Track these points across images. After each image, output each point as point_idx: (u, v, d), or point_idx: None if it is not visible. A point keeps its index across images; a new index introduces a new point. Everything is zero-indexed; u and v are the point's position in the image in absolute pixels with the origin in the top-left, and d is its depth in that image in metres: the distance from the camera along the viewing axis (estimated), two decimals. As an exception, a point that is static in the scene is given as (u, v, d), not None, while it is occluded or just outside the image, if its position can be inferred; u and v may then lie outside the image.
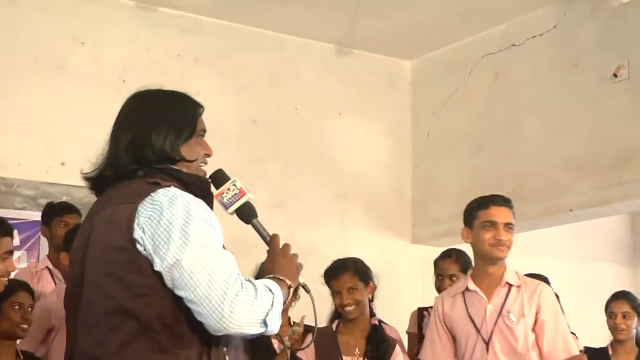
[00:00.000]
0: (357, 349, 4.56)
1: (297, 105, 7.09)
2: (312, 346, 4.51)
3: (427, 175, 7.47)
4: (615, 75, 6.09)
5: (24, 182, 5.92)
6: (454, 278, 5.07)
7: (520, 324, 4.07)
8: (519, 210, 4.26)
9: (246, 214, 2.65)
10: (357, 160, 7.29)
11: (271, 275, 2.51)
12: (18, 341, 4.81)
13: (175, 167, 2.57)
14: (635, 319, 5.39)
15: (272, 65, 7.03)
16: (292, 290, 2.52)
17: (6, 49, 6.01)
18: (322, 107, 7.21)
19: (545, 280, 5.24)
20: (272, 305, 2.37)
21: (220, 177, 2.64)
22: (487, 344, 4.08)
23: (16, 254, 5.58)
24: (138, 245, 2.37)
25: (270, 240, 2.64)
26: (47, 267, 5.10)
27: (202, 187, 2.56)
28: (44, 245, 5.79)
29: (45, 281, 5.02)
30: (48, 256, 5.21)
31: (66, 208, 5.22)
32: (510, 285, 4.14)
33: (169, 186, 2.44)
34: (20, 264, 5.65)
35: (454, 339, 4.26)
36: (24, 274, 5.12)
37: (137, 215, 2.38)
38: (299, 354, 4.56)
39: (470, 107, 7.16)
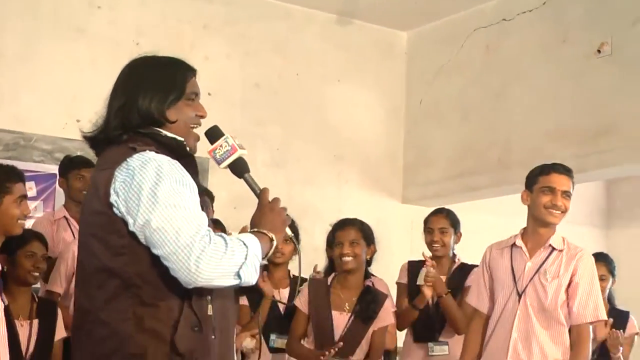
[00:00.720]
0: (347, 305, 4.56)
1: (298, 72, 7.12)
2: (306, 294, 4.57)
3: (418, 141, 7.50)
4: (599, 51, 6.11)
5: (42, 137, 5.99)
6: (443, 231, 5.08)
7: (552, 284, 4.10)
8: (505, 176, 4.29)
9: (238, 169, 2.64)
10: (354, 125, 7.34)
11: (255, 229, 2.54)
12: (40, 285, 4.93)
13: (160, 130, 2.57)
14: (610, 280, 5.45)
15: (276, 33, 7.05)
16: (275, 243, 2.53)
17: (28, 14, 6.07)
18: (322, 73, 7.23)
19: (607, 261, 5.45)
20: (245, 258, 2.39)
21: (215, 134, 2.66)
22: (520, 296, 4.13)
23: (33, 204, 5.65)
24: (114, 209, 2.42)
25: (260, 194, 2.63)
26: (64, 216, 5.15)
27: (178, 149, 2.55)
28: (60, 196, 5.86)
29: (63, 229, 5.08)
30: (65, 206, 5.26)
31: (83, 162, 5.23)
32: (553, 249, 4.16)
33: (145, 150, 2.46)
34: (36, 213, 5.71)
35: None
36: (43, 221, 5.20)
37: (113, 180, 2.43)
38: (296, 301, 4.57)
39: (462, 77, 7.18)
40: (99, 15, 6.35)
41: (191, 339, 2.43)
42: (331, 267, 4.86)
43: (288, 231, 2.65)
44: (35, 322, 4.41)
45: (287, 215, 2.61)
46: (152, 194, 2.38)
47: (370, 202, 7.24)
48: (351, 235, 4.59)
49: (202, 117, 2.65)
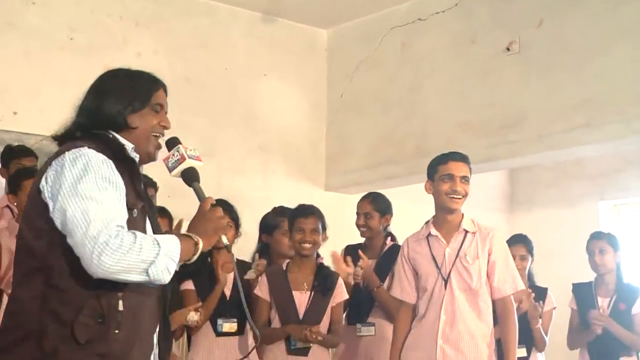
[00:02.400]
0: (305, 284, 4.60)
1: (226, 66, 7.00)
2: (266, 283, 4.61)
3: (339, 132, 7.47)
4: (508, 49, 6.17)
5: (-21, 130, 5.77)
6: (368, 216, 5.11)
7: (475, 265, 4.11)
8: (421, 164, 4.29)
9: (187, 177, 2.66)
10: (279, 117, 7.26)
11: (185, 233, 2.54)
12: None
13: (113, 133, 2.58)
14: (530, 259, 5.47)
15: (203, 30, 6.92)
16: (200, 246, 2.50)
17: (-39, 8, 5.82)
18: (248, 68, 7.13)
19: (526, 242, 5.42)
20: (156, 257, 2.34)
21: (171, 143, 2.68)
22: (445, 281, 4.12)
23: (-29, 195, 5.47)
24: (42, 194, 2.43)
25: (200, 203, 2.63)
26: (7, 205, 4.96)
27: (118, 152, 2.53)
28: (-1, 186, 5.68)
29: (5, 219, 4.90)
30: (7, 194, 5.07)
31: (22, 151, 5.12)
32: (467, 232, 4.17)
33: (84, 146, 2.45)
34: (-26, 203, 5.53)
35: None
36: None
37: (48, 169, 2.44)
38: (256, 290, 4.61)
39: (380, 72, 7.16)
40: (33, 11, 6.10)
41: (92, 329, 2.38)
42: (265, 250, 4.92)
43: (224, 239, 2.65)
44: None
45: (223, 225, 2.61)
46: (74, 185, 2.38)
47: (295, 190, 7.17)
48: (312, 223, 4.61)
49: (166, 127, 2.67)
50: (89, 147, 2.45)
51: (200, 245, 2.50)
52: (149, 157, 2.65)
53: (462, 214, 4.23)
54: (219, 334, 4.63)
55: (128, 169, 2.52)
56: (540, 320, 5.23)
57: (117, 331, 2.39)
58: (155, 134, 2.63)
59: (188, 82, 6.75)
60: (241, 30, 7.15)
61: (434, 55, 6.75)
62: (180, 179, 2.67)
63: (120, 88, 2.63)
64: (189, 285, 4.67)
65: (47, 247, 2.40)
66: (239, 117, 7.03)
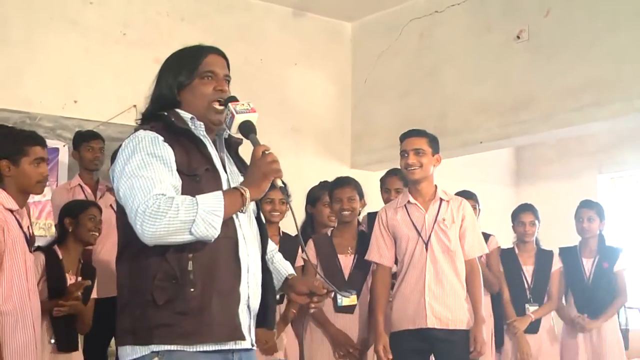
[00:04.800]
0: (349, 248, 4.61)
1: (262, 57, 7.08)
2: (313, 247, 4.60)
3: (364, 114, 7.51)
4: (518, 37, 6.20)
5: (45, 116, 5.87)
6: (399, 191, 5.00)
7: (452, 229, 4.18)
8: (440, 143, 4.31)
9: (244, 131, 2.51)
10: (309, 102, 7.33)
11: (231, 187, 2.43)
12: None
13: (177, 110, 2.49)
14: (537, 225, 5.57)
15: (241, 24, 6.99)
16: (247, 196, 2.35)
17: (28, 10, 5.91)
18: (281, 58, 7.21)
19: (474, 196, 5.44)
20: (195, 216, 2.25)
21: (226, 103, 2.53)
22: (426, 244, 4.16)
23: (39, 175, 5.56)
24: (112, 179, 2.43)
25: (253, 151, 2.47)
26: (79, 184, 5.06)
27: (169, 126, 2.45)
28: (63, 167, 5.78)
29: (78, 196, 4.96)
30: (79, 175, 5.16)
31: (91, 135, 5.17)
32: (442, 200, 4.23)
33: (139, 130, 2.43)
34: (43, 182, 5.64)
35: (394, 242, 4.32)
36: (61, 190, 5.12)
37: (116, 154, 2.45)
38: (303, 255, 4.59)
39: (400, 60, 7.20)
40: (90, 9, 6.21)
41: (168, 290, 2.33)
42: (310, 221, 4.84)
43: (278, 182, 2.43)
44: (80, 279, 4.30)
45: (274, 169, 2.42)
46: (123, 167, 2.35)
47: (323, 167, 7.22)
48: (349, 192, 4.61)
49: (222, 91, 2.54)
50: (143, 130, 2.42)
51: (248, 195, 2.36)
52: (213, 123, 2.51)
53: (436, 185, 4.27)
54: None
55: (182, 139, 2.43)
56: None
57: (192, 289, 2.33)
58: (214, 100, 2.50)
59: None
60: (274, 24, 7.22)
61: (450, 44, 6.79)
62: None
63: (170, 68, 2.54)
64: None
65: (124, 226, 2.38)
66: (274, 102, 7.08)
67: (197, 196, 2.30)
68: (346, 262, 4.58)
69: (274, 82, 7.11)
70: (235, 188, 2.38)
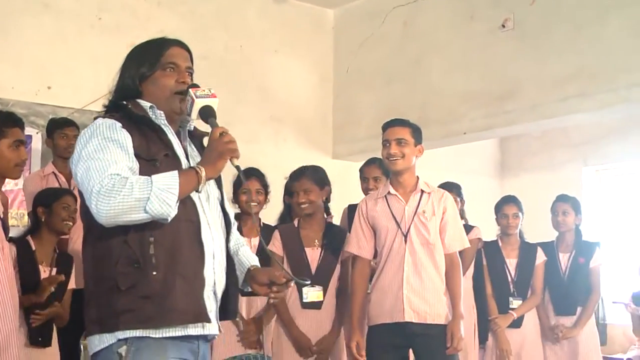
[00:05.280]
0: (316, 241, 4.50)
1: (241, 44, 6.98)
2: (279, 238, 4.50)
3: (345, 104, 7.44)
4: (503, 26, 6.12)
5: (17, 102, 5.70)
6: (377, 179, 5.00)
7: (432, 221, 4.11)
8: (424, 133, 4.25)
9: (203, 115, 2.55)
10: (289, 90, 7.24)
11: (189, 166, 2.48)
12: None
13: (137, 100, 2.56)
14: (521, 217, 5.55)
15: (222, 10, 6.88)
16: (202, 174, 2.39)
17: (-1, -10, 5.77)
18: (262, 45, 7.11)
19: (458, 188, 5.38)
20: (149, 193, 2.29)
21: (196, 85, 2.60)
22: (405, 236, 4.11)
23: (12, 163, 5.44)
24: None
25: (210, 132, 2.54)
26: (53, 172, 4.96)
27: (126, 114, 2.52)
28: (36, 154, 5.66)
29: (52, 184, 4.86)
30: (53, 163, 5.05)
31: (65, 122, 5.07)
32: (423, 192, 4.17)
33: (99, 117, 2.50)
34: (15, 171, 5.52)
35: (374, 234, 4.25)
36: (34, 177, 5.01)
37: None
38: (270, 246, 4.46)
39: (383, 49, 7.13)
40: (65, -8, 6.06)
41: (131, 275, 2.36)
42: (288, 212, 4.77)
43: (234, 162, 2.48)
44: (55, 270, 4.22)
45: (229, 148, 2.45)
46: (81, 151, 2.41)
47: (305, 157, 7.12)
48: (304, 184, 4.49)
49: (184, 83, 2.58)
50: (102, 118, 2.49)
51: (203, 173, 2.40)
52: (176, 112, 2.57)
53: (417, 177, 4.22)
54: (244, 294, 4.59)
55: (140, 126, 2.49)
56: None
57: (155, 273, 2.36)
58: (176, 92, 2.56)
59: (207, 59, 6.71)
60: (255, 10, 7.12)
61: (434, 33, 6.71)
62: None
63: (133, 59, 2.61)
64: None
65: (86, 213, 2.41)
66: (253, 90, 7.02)
67: (152, 175, 2.35)
68: (313, 255, 4.47)
69: (254, 70, 7.02)
70: (191, 167, 2.45)
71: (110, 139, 2.40)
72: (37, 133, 5.73)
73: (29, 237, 4.20)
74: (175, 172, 2.37)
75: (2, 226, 3.50)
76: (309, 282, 3.41)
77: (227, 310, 2.60)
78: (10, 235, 3.98)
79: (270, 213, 5.03)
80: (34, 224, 4.27)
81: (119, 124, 2.44)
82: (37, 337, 4.05)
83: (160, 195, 2.30)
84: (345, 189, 7.04)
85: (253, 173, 4.64)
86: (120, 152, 2.39)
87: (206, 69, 6.61)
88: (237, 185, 4.61)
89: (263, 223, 4.75)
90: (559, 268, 5.48)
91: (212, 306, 2.49)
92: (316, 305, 4.39)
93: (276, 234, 4.54)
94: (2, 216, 3.56)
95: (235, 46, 6.93)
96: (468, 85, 6.38)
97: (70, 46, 5.96)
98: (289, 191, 4.82)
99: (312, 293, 4.38)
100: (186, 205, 2.43)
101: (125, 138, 2.42)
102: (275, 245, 4.49)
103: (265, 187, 4.67)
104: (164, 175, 2.35)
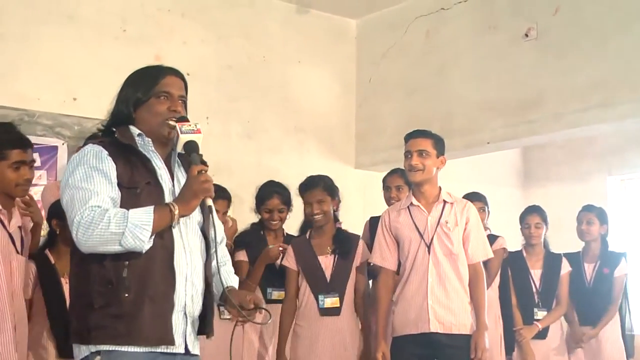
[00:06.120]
0: (328, 248, 4.56)
1: (264, 54, 7.04)
2: (292, 253, 4.58)
3: (368, 114, 7.47)
4: (526, 35, 6.14)
5: (43, 114, 5.82)
6: (400, 189, 5.04)
7: (455, 231, 4.16)
8: (446, 144, 4.31)
9: (187, 150, 2.68)
10: (312, 101, 7.29)
11: (165, 203, 2.61)
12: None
13: (130, 126, 2.70)
14: (544, 227, 5.56)
15: (245, 20, 6.96)
16: (175, 212, 2.56)
17: (25, 5, 5.86)
18: (285, 56, 7.17)
19: (483, 198, 5.42)
20: (125, 229, 2.46)
21: (184, 119, 2.72)
22: (428, 247, 4.15)
23: (38, 173, 5.55)
24: None
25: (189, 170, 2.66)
26: None
27: (113, 142, 2.67)
28: (62, 165, 5.76)
29: None
30: None
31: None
32: (445, 202, 4.22)
33: (89, 143, 2.67)
34: (40, 181, 5.61)
35: (397, 245, 4.31)
36: (52, 187, 5.04)
37: None
38: (284, 261, 4.57)
39: (405, 58, 7.16)
40: (89, 4, 6.15)
41: (105, 294, 2.53)
42: (310, 223, 4.83)
43: (208, 201, 2.63)
44: None
45: (204, 187, 2.58)
46: (67, 179, 2.58)
47: (327, 167, 7.15)
48: (317, 195, 4.55)
49: (175, 111, 2.71)
50: (92, 144, 2.65)
51: (177, 211, 2.57)
52: (165, 139, 2.72)
53: (440, 187, 4.26)
54: (269, 301, 4.64)
55: (126, 154, 2.64)
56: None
57: (126, 294, 2.53)
58: (167, 119, 2.69)
59: (231, 69, 6.83)
60: (278, 20, 7.18)
61: (456, 42, 6.74)
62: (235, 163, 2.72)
63: (129, 85, 2.75)
64: (242, 256, 4.72)
65: (71, 234, 2.57)
66: (276, 100, 7.08)
67: (130, 210, 2.52)
68: (326, 262, 4.54)
69: (276, 80, 7.08)
70: (166, 204, 2.60)
71: (95, 168, 2.56)
72: (63, 144, 5.82)
73: (47, 251, 4.22)
74: (151, 209, 2.53)
75: (12, 240, 3.64)
76: (267, 322, 3.50)
77: (203, 327, 2.75)
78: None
79: (293, 223, 5.10)
80: (50, 236, 4.30)
81: (105, 152, 2.60)
82: (65, 350, 4.10)
83: (134, 231, 2.48)
84: (367, 198, 7.14)
85: (275, 190, 4.74)
86: (104, 182, 2.55)
87: (229, 79, 6.81)
88: (260, 201, 4.71)
89: (286, 233, 4.82)
90: (584, 278, 5.51)
91: (180, 327, 2.64)
92: (334, 312, 4.46)
93: (289, 249, 4.61)
94: (15, 229, 3.69)
95: (258, 56, 7.00)
96: (491, 95, 6.40)
97: (94, 57, 6.05)
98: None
99: (328, 299, 4.45)
100: (163, 232, 2.59)
101: (109, 168, 2.58)
102: (289, 261, 4.57)
103: (287, 203, 4.75)
104: (140, 212, 2.52)
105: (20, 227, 3.77)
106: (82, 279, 2.59)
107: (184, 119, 2.70)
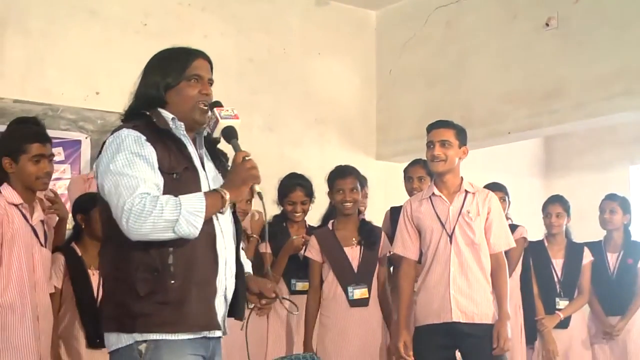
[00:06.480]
0: (353, 239, 4.60)
1: (284, 47, 7.08)
2: (316, 244, 4.60)
3: (389, 105, 7.49)
4: (547, 25, 6.13)
5: (67, 108, 5.89)
6: (422, 179, 5.07)
7: (477, 221, 4.17)
8: (467, 134, 4.32)
9: (226, 136, 2.67)
10: (333, 92, 7.32)
11: (212, 189, 2.59)
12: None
13: (160, 110, 2.65)
14: (566, 217, 5.57)
15: (265, 13, 7.00)
16: (227, 198, 2.55)
17: (48, 0, 5.93)
18: (305, 48, 7.20)
19: (504, 188, 5.43)
20: (179, 216, 2.42)
21: (210, 108, 2.69)
22: (450, 236, 4.16)
23: (62, 167, 5.67)
24: (95, 176, 2.62)
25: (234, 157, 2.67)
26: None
27: (150, 126, 2.61)
28: (85, 159, 5.83)
29: (94, 188, 4.95)
30: None
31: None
32: (467, 192, 4.23)
33: (123, 128, 2.58)
34: (65, 174, 5.71)
35: (419, 234, 4.33)
36: (78, 180, 5.14)
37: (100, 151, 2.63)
38: (307, 253, 4.59)
39: (425, 49, 7.17)
40: (112, 0, 6.22)
41: (150, 282, 2.50)
42: (333, 211, 4.87)
43: (256, 188, 2.62)
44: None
45: (252, 174, 2.59)
46: (108, 164, 2.52)
47: (348, 159, 7.10)
48: (351, 183, 4.59)
49: (207, 94, 2.69)
50: (127, 128, 2.57)
51: (227, 197, 2.55)
52: (197, 123, 2.69)
53: (462, 177, 4.27)
54: (293, 292, 4.70)
55: (163, 138, 2.60)
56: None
57: (172, 282, 2.50)
58: (199, 102, 2.67)
59: (251, 62, 6.87)
60: (297, 13, 7.21)
61: (476, 32, 6.73)
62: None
63: (157, 68, 2.71)
64: (265, 247, 4.70)
65: (107, 219, 2.55)
66: (297, 93, 7.12)
67: (180, 196, 2.48)
68: (353, 254, 4.57)
69: (297, 73, 7.11)
70: (216, 190, 2.57)
71: (137, 154, 2.51)
72: (86, 138, 5.90)
73: (74, 244, 4.31)
74: (202, 195, 2.51)
75: (35, 232, 3.72)
76: (297, 312, 3.45)
77: (235, 309, 2.74)
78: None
79: (314, 213, 5.14)
80: (75, 230, 4.38)
81: (143, 137, 2.55)
82: (95, 339, 4.17)
83: (188, 218, 2.44)
84: (388, 189, 7.15)
85: (298, 182, 4.77)
86: (147, 169, 2.51)
87: (250, 72, 6.85)
88: (283, 194, 4.75)
89: (308, 225, 4.86)
90: (607, 268, 5.50)
91: (221, 311, 2.64)
92: (363, 303, 4.50)
93: (312, 240, 4.64)
94: (37, 223, 3.77)
95: (279, 49, 7.04)
96: (512, 85, 6.40)
97: (116, 52, 6.12)
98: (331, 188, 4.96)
99: (357, 291, 4.49)
100: None
101: (150, 153, 2.54)
102: (312, 252, 4.60)
103: (309, 195, 4.78)
104: (192, 197, 2.49)
105: (42, 221, 3.84)
106: (121, 266, 2.53)
107: (218, 104, 2.68)
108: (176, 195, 2.48)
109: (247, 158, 2.60)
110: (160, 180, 2.53)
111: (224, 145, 2.79)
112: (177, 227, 2.43)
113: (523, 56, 6.34)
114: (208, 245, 2.59)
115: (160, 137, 2.59)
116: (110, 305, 2.58)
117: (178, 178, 2.57)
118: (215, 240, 2.61)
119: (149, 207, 2.41)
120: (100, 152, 2.62)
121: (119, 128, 2.60)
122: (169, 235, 2.44)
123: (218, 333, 2.65)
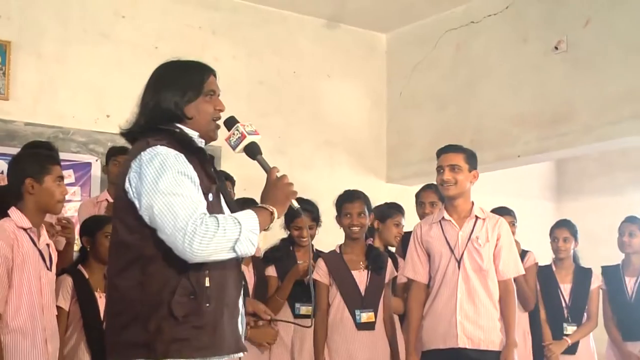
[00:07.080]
0: (361, 263, 4.61)
1: (295, 69, 7.14)
2: (324, 267, 4.61)
3: (399, 127, 7.51)
4: (556, 48, 6.16)
5: (77, 131, 5.96)
6: (434, 204, 5.09)
7: (485, 247, 4.17)
8: (477, 157, 4.33)
9: (251, 152, 2.67)
10: (343, 115, 7.36)
11: (258, 205, 2.58)
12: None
13: (179, 126, 2.59)
14: (573, 242, 5.55)
15: (275, 36, 7.06)
16: (275, 215, 2.53)
17: (61, 22, 6.04)
18: (314, 71, 7.25)
19: (512, 213, 5.43)
20: (239, 234, 2.40)
21: (229, 123, 2.68)
22: (458, 262, 4.17)
23: (72, 189, 5.69)
24: (128, 195, 2.48)
25: (268, 173, 2.67)
26: (106, 199, 5.08)
27: (187, 144, 2.55)
28: (95, 181, 5.88)
29: (104, 211, 4.97)
30: (107, 190, 5.21)
31: (119, 150, 5.19)
32: (477, 218, 4.24)
33: (157, 145, 2.47)
34: (74, 197, 5.75)
35: (428, 258, 4.33)
36: (87, 204, 5.17)
37: (129, 171, 2.49)
38: (314, 275, 4.58)
39: (436, 72, 7.20)
40: (123, 23, 6.32)
41: (186, 305, 2.44)
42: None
43: (294, 203, 2.64)
44: None
45: (292, 190, 2.63)
46: (154, 183, 2.42)
47: (358, 181, 7.21)
48: (359, 207, 4.61)
49: (221, 110, 2.67)
50: (161, 145, 2.47)
51: (276, 214, 2.55)
52: (211, 139, 2.67)
53: (472, 202, 4.28)
54: (297, 316, 4.70)
55: (197, 157, 2.54)
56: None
57: (207, 305, 2.46)
58: (214, 119, 2.65)
59: (262, 84, 6.92)
60: (307, 35, 7.27)
61: (486, 55, 6.77)
62: (257, 165, 2.70)
63: (174, 81, 2.63)
64: (271, 271, 4.79)
65: (140, 240, 2.47)
66: (307, 115, 7.16)
67: (234, 215, 2.45)
68: (360, 278, 4.58)
69: (307, 95, 7.17)
70: (263, 207, 2.55)
71: (184, 173, 2.45)
72: (96, 160, 5.95)
73: (80, 267, 4.32)
74: (253, 212, 2.48)
75: (42, 256, 3.73)
76: (309, 326, 3.43)
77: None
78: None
79: (323, 237, 5.15)
80: (82, 253, 4.40)
81: (182, 156, 2.48)
82: (101, 357, 4.20)
83: (249, 237, 2.42)
84: (399, 212, 7.13)
85: (306, 207, 4.76)
86: (194, 189, 2.46)
87: (260, 95, 6.91)
88: (290, 218, 4.77)
89: (316, 249, 4.88)
90: (625, 292, 5.45)
91: (242, 331, 2.64)
92: (370, 326, 4.50)
93: (320, 262, 4.65)
94: (44, 247, 3.78)
95: (289, 72, 7.09)
96: (521, 108, 6.42)
97: (128, 75, 6.18)
98: (382, 218, 4.99)
99: (365, 314, 4.50)
100: None
101: (192, 173, 2.48)
102: (320, 274, 4.61)
103: (316, 220, 4.80)
104: (245, 215, 2.46)
105: (48, 245, 3.88)
106: (152, 289, 2.45)
107: (235, 120, 2.67)
108: None
109: (280, 174, 2.63)
110: (204, 201, 2.48)
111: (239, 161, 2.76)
112: (237, 246, 2.41)
113: (533, 79, 6.36)
114: (235, 267, 2.59)
115: (191, 155, 2.53)
116: (136, 331, 2.47)
117: (211, 200, 2.53)
118: (240, 262, 2.61)
119: (212, 227, 2.37)
120: (126, 170, 2.50)
121: (147, 144, 2.48)
122: (229, 254, 2.42)
123: (241, 354, 2.62)
